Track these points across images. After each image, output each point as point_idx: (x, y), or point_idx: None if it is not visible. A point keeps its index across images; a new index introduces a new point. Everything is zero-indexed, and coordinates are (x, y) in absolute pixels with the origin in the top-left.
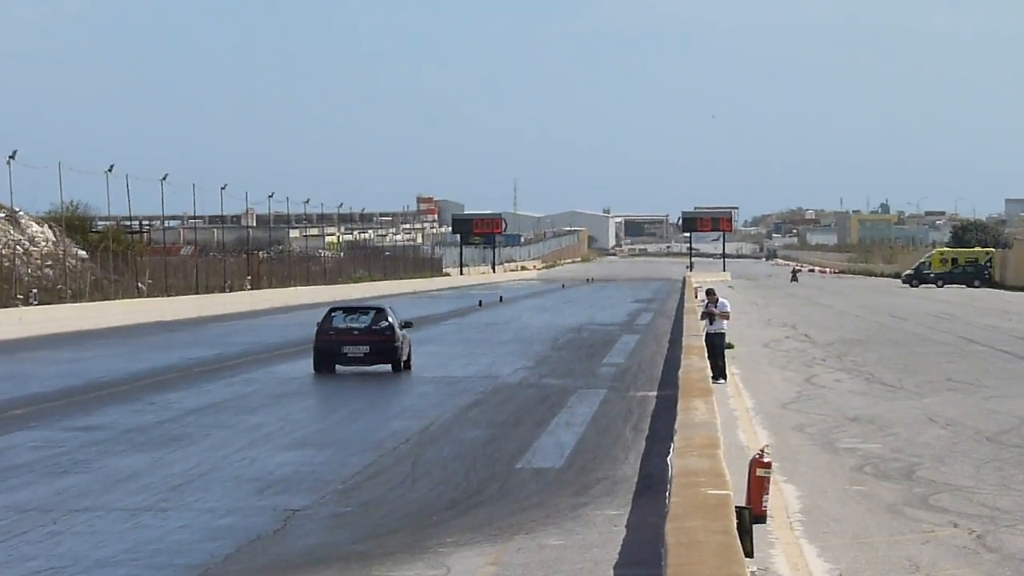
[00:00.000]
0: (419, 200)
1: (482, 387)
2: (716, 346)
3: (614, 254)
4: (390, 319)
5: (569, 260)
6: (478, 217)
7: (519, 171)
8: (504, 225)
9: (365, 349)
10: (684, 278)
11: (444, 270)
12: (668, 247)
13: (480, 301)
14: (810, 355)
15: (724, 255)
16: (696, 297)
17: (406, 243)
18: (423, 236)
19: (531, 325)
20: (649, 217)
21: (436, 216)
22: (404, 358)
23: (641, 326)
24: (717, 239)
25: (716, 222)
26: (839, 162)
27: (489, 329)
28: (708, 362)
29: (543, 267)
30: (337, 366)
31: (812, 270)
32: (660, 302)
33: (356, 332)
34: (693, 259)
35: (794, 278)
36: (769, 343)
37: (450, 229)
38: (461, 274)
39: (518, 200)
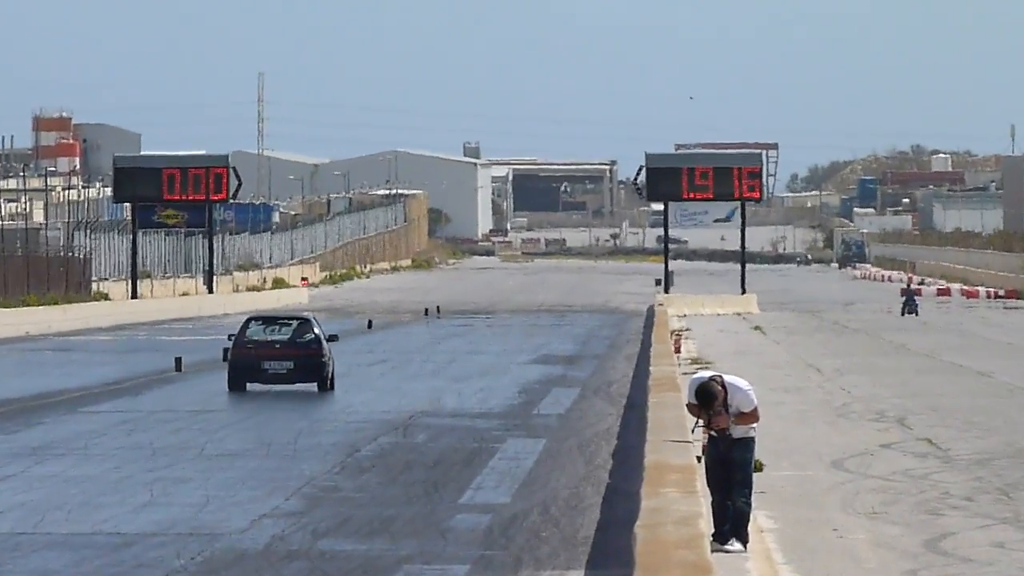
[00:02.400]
0: (38, 123)
1: (182, 557)
2: (735, 464)
3: (491, 251)
4: (316, 331)
5: (386, 265)
6: (173, 166)
7: (268, 63)
8: (236, 183)
9: (289, 365)
10: (649, 308)
11: (96, 286)
12: (614, 236)
13: (178, 360)
14: (938, 486)
15: (743, 255)
16: (675, 361)
17: (8, 222)
18: (47, 207)
19: (294, 414)
20: (571, 168)
21: (78, 160)
22: (330, 375)
23: (549, 419)
24: (727, 219)
25: (723, 177)
26: (1007, 56)
27: (197, 420)
28: (708, 502)
29: (325, 280)
30: (254, 385)
31: (944, 290)
32: (595, 363)
33: (278, 346)
34: (671, 264)
35: (909, 307)
36: (845, 458)
37: (109, 191)
38: (135, 296)
39: (267, 127)
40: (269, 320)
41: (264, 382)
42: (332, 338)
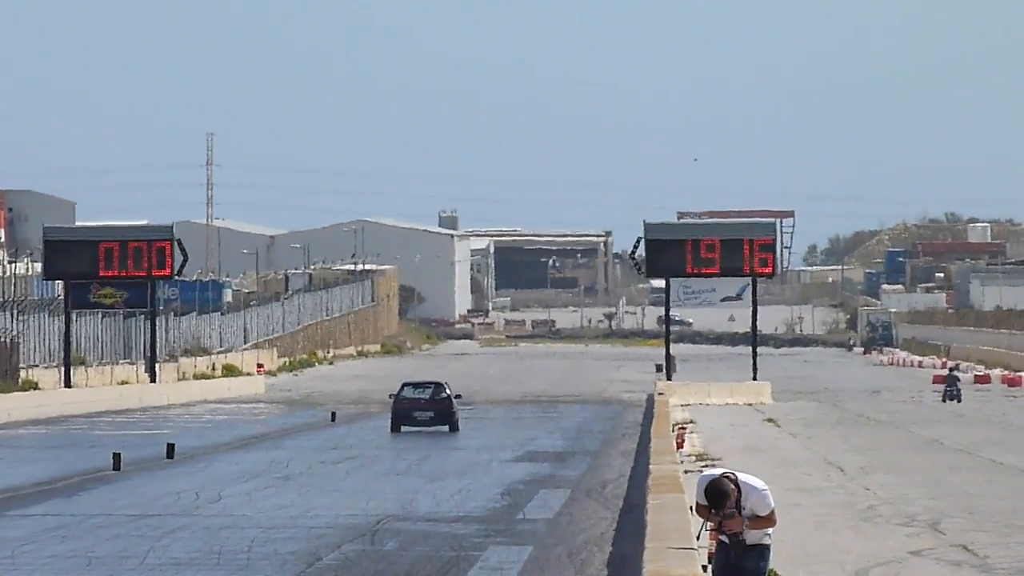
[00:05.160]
0: None
1: None
2: (747, 574)
3: (469, 334)
4: (447, 391)
5: (351, 350)
6: (111, 238)
7: (216, 123)
8: (181, 258)
9: (430, 414)
10: (649, 398)
11: (25, 373)
12: (609, 316)
13: (116, 457)
14: None
15: (755, 337)
16: (678, 458)
17: None
18: None
19: (248, 519)
20: (560, 239)
21: (2, 232)
22: (457, 421)
23: (536, 523)
24: (737, 297)
25: (731, 250)
26: None
27: (139, 524)
28: None
29: (283, 367)
30: (406, 427)
31: (983, 376)
32: (588, 461)
33: (423, 401)
34: (673, 348)
35: (950, 393)
36: (870, 567)
37: (38, 267)
38: (68, 384)
39: (217, 193)
40: (416, 385)
41: (414, 425)
42: (458, 396)
